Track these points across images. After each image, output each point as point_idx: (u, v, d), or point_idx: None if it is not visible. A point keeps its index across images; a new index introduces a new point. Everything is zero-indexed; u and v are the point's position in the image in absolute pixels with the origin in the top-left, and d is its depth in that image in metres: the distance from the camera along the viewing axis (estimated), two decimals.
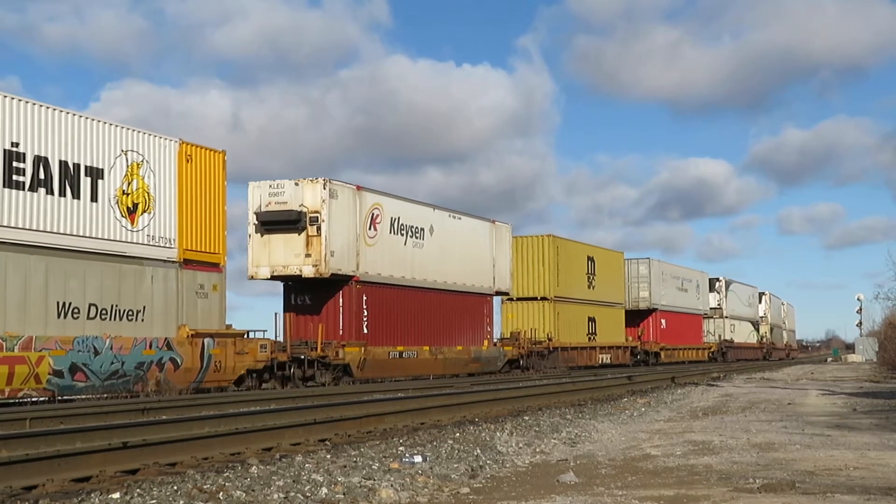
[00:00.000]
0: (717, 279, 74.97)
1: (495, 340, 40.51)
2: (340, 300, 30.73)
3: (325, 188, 29.41)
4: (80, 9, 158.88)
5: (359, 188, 31.28)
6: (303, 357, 28.53)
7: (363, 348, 30.44)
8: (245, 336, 26.60)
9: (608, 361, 50.79)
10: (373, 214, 31.88)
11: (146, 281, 23.34)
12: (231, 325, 26.25)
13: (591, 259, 50.41)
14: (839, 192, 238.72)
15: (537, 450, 11.63)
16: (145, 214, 23.41)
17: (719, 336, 73.31)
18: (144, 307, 23.15)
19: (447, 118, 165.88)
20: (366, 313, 31.13)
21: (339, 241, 29.78)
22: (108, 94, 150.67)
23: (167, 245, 24.02)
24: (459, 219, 37.73)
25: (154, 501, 7.58)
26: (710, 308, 72.52)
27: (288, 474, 8.91)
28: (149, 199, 23.58)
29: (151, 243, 23.52)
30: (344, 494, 8.06)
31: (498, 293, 40.68)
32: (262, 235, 29.79)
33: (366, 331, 30.99)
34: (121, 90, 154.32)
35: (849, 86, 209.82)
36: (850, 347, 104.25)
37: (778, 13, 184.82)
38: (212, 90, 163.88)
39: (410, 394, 21.18)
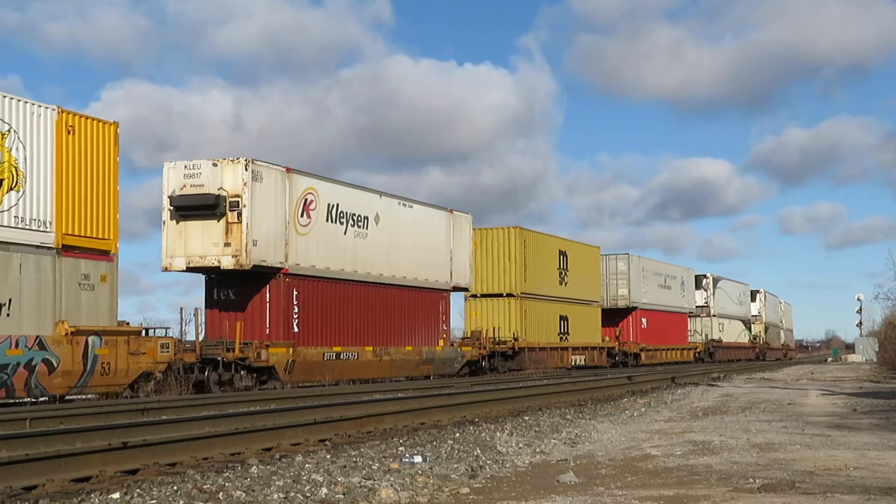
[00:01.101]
0: (704, 276, 71.97)
1: (453, 340, 38.00)
2: (267, 295, 27.69)
3: (247, 169, 26.30)
4: (81, 8, 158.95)
5: (288, 170, 28.18)
6: (218, 359, 25.11)
7: (291, 349, 27.40)
8: (143, 334, 23.29)
9: (582, 363, 47.89)
10: (306, 200, 28.76)
11: (13, 269, 20.21)
12: (127, 322, 23.12)
13: (563, 254, 47.43)
14: (841, 191, 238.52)
15: (537, 450, 11.64)
16: (12, 192, 20.33)
17: (706, 336, 70.32)
18: (10, 300, 20.01)
19: (449, 118, 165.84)
20: (296, 310, 28.10)
21: (263, 228, 26.82)
22: (109, 93, 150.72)
23: (41, 228, 20.90)
24: (411, 207, 34.61)
25: (154, 501, 7.59)
26: (697, 306, 69.39)
27: (288, 474, 8.91)
28: (16, 175, 20.52)
29: (20, 226, 20.41)
30: (344, 494, 8.06)
31: (456, 289, 37.57)
32: (177, 222, 26.73)
33: (296, 329, 27.98)
34: (122, 90, 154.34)
35: (852, 85, 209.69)
36: (850, 347, 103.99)
37: (781, 12, 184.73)
38: (213, 90, 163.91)
39: (410, 394, 21.19)
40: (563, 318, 46.90)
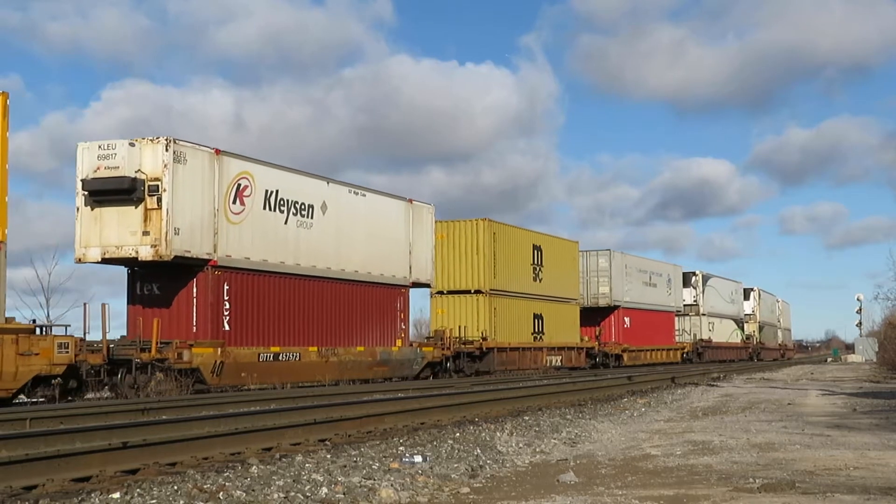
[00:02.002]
0: (693, 273, 69.10)
1: (413, 340, 35.61)
2: (194, 290, 25.14)
3: (167, 150, 23.72)
4: (82, 7, 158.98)
5: (218, 152, 25.52)
6: (132, 360, 22.42)
7: (220, 349, 24.77)
8: (36, 332, 20.89)
9: (558, 364, 45.29)
10: (239, 185, 26.19)
11: None
12: (13, 319, 20.88)
13: (537, 248, 44.60)
14: (841, 191, 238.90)
15: (537, 450, 11.64)
16: None
17: (695, 335, 67.55)
18: None
19: (450, 118, 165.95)
20: (227, 306, 25.54)
21: (187, 216, 24.26)
22: (110, 93, 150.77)
23: None
24: (364, 195, 32.03)
25: (154, 501, 7.59)
26: (685, 305, 66.65)
27: (288, 474, 8.92)
28: None
29: None
30: (344, 494, 8.06)
31: (416, 284, 35.07)
32: (91, 209, 24.11)
33: (227, 328, 25.42)
34: (122, 89, 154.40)
35: (853, 85, 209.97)
36: (849, 348, 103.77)
37: (783, 12, 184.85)
38: (214, 89, 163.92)
39: (410, 394, 21.19)
40: (538, 317, 44.29)
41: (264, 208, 27.22)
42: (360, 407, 15.97)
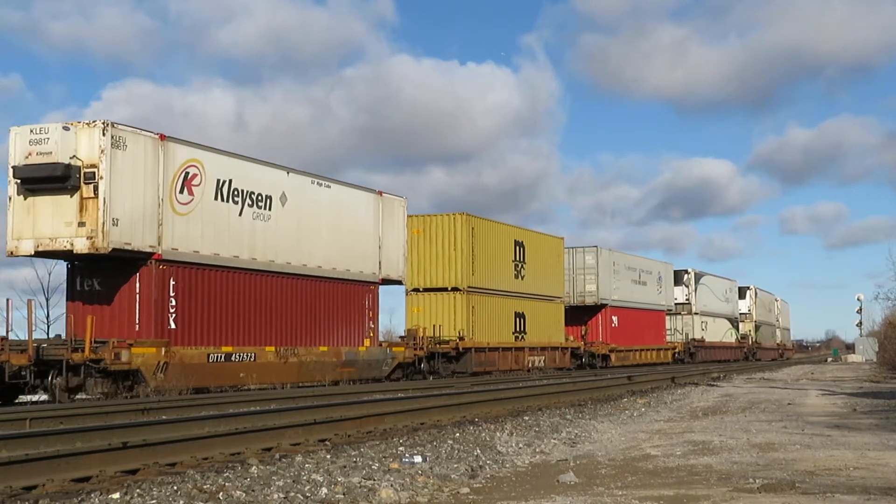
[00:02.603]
0: (686, 271, 67.09)
1: (382, 340, 33.97)
2: (137, 285, 23.49)
3: (104, 134, 22.09)
4: (84, 7, 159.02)
5: (163, 137, 23.84)
6: (63, 361, 20.80)
7: (164, 349, 23.13)
8: None
9: (541, 365, 43.62)
10: (187, 174, 24.52)
11: None
12: None
13: (519, 244, 42.90)
14: (842, 191, 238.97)
15: (537, 450, 11.64)
16: None
17: (687, 335, 65.80)
18: None
19: (451, 117, 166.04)
20: (173, 303, 23.96)
21: (127, 205, 22.67)
22: (110, 93, 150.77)
23: None
24: (328, 187, 30.32)
25: (154, 501, 7.59)
26: (677, 303, 64.86)
27: (288, 474, 8.92)
28: None
29: None
30: (344, 494, 8.06)
31: (386, 281, 33.28)
32: (24, 198, 22.55)
33: (172, 326, 23.83)
34: (123, 89, 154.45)
35: (855, 84, 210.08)
36: (850, 347, 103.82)
37: (785, 11, 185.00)
38: (215, 89, 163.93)
39: (410, 394, 21.20)
40: (519, 316, 42.65)
41: (216, 199, 25.52)
42: (359, 407, 15.98)
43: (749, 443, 12.01)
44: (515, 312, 42.29)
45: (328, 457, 10.30)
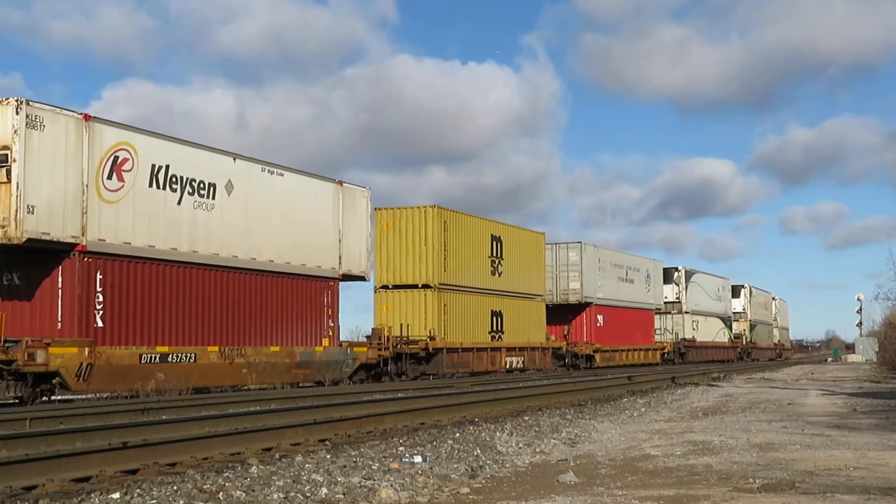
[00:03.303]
0: (675, 268, 65.06)
1: (343, 339, 31.58)
2: (59, 280, 21.71)
3: (18, 112, 20.41)
4: (85, 6, 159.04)
5: (88, 118, 22.07)
6: None
7: (87, 349, 21.28)
8: None
9: (520, 366, 41.74)
10: (116, 158, 22.66)
11: None
12: None
13: (496, 239, 40.83)
14: (843, 191, 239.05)
15: (537, 450, 11.64)
16: None
17: (677, 334, 63.78)
18: None
19: (453, 117, 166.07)
20: (100, 299, 22.09)
21: (45, 191, 20.95)
22: (111, 92, 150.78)
23: None
24: (281, 175, 28.37)
25: (154, 501, 7.59)
26: (666, 302, 62.88)
27: (288, 474, 8.92)
28: None
29: None
30: (344, 494, 8.06)
31: (348, 277, 31.40)
32: None
33: (99, 324, 21.98)
34: (123, 89, 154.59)
35: (857, 84, 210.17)
36: (850, 347, 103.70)
37: (787, 11, 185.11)
38: (215, 89, 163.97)
39: (410, 394, 21.20)
40: (496, 315, 40.50)
41: (150, 185, 23.61)
42: (359, 407, 15.99)
43: (749, 443, 12.01)
44: (492, 311, 40.29)
45: (328, 457, 10.30)
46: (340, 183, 31.20)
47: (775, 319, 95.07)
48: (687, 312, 65.25)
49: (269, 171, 28.00)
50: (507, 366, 40.56)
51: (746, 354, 78.17)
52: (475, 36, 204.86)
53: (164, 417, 14.61)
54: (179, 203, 24.55)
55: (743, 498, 7.83)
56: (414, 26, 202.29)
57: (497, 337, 40.39)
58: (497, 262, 40.87)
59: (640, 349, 56.70)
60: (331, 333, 30.11)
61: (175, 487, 8.12)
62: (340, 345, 30.66)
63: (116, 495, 7.75)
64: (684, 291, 65.32)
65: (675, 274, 65.08)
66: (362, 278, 32.56)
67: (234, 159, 26.65)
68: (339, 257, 30.84)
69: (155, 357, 23.15)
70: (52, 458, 8.85)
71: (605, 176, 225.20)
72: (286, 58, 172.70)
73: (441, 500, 8.12)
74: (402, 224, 36.27)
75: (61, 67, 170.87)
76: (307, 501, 7.79)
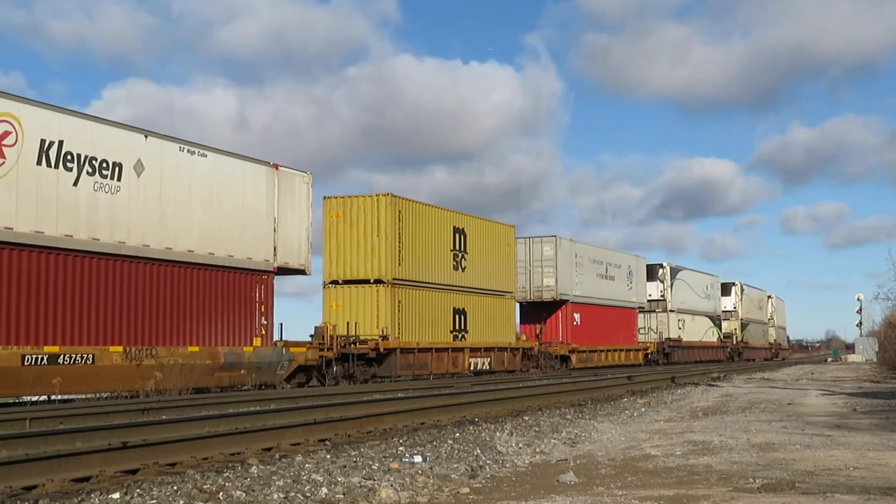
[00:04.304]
0: (660, 265, 62.63)
1: (278, 339, 28.50)
2: None
3: None
4: (87, 5, 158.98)
5: None
6: None
7: None
8: None
9: (486, 367, 38.91)
10: None
11: None
12: None
13: (459, 232, 38.03)
14: (845, 191, 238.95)
15: (537, 450, 11.64)
16: None
17: (661, 334, 61.48)
18: None
19: (454, 117, 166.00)
20: None
21: None
22: (111, 92, 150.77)
23: None
24: (204, 155, 25.49)
25: (154, 501, 7.59)
26: (650, 300, 60.59)
27: (288, 474, 8.92)
28: None
29: None
30: (344, 494, 8.06)
31: (285, 270, 28.69)
32: None
33: None
34: (124, 88, 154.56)
35: (859, 84, 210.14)
36: (850, 347, 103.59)
37: (789, 11, 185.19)
38: (216, 88, 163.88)
39: (410, 394, 21.21)
40: (459, 312, 37.74)
41: (39, 163, 20.95)
42: (360, 407, 15.99)
43: (749, 443, 12.01)
44: (454, 308, 37.46)
45: (328, 457, 10.30)
46: (276, 166, 28.39)
47: (771, 318, 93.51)
48: (672, 311, 62.99)
49: (189, 150, 25.04)
50: (472, 367, 37.95)
51: (737, 354, 76.17)
52: (477, 35, 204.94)
53: (163, 417, 14.62)
54: (76, 184, 21.79)
55: (743, 498, 7.83)
56: (416, 26, 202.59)
57: (460, 336, 37.73)
58: (460, 255, 38.13)
59: (621, 349, 54.42)
60: (264, 332, 27.31)
61: (175, 487, 8.12)
62: (275, 344, 27.82)
63: (116, 495, 7.75)
64: (669, 289, 63.03)
65: (660, 271, 63.01)
66: (302, 272, 29.70)
67: (146, 137, 23.89)
68: (275, 248, 27.99)
69: (42, 358, 20.42)
70: (52, 458, 8.85)
71: (605, 176, 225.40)
72: (288, 57, 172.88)
73: (441, 500, 8.12)
74: (352, 214, 33.61)
75: (63, 67, 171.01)
76: (307, 501, 7.79)
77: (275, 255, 28.00)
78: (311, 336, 30.64)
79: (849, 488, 8.20)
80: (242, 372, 26.08)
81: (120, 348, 22.61)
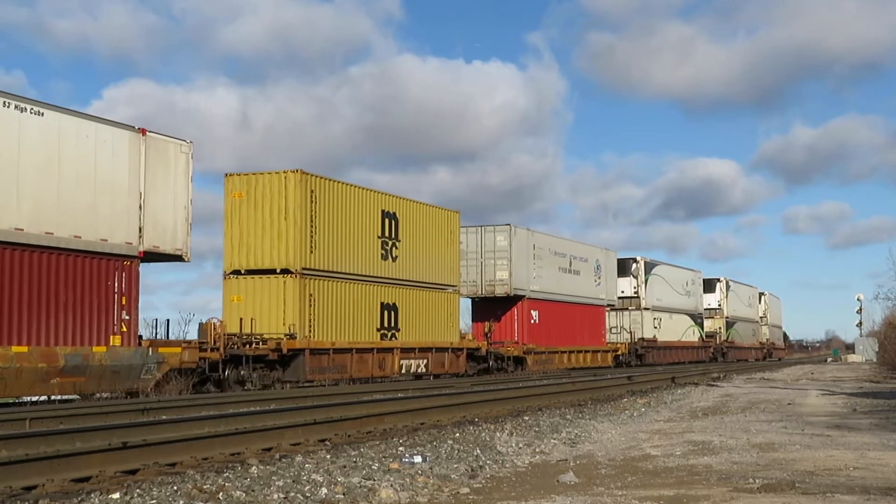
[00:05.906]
0: (633, 259, 58.13)
1: (147, 338, 24.23)
2: None
3: None
4: (89, 4, 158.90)
5: None
6: None
7: None
8: None
9: (422, 370, 34.49)
10: None
11: None
12: None
13: (389, 216, 33.44)
14: (846, 190, 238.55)
15: (537, 450, 11.64)
16: None
17: (634, 333, 56.69)
18: None
19: (457, 116, 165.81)
20: None
21: None
22: (113, 92, 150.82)
23: None
24: (40, 114, 20.87)
25: (154, 501, 7.59)
26: (622, 297, 56.09)
27: (288, 474, 8.92)
28: None
29: None
30: (344, 494, 8.06)
31: (154, 255, 24.12)
32: None
33: None
34: (126, 87, 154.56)
35: (863, 83, 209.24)
36: (850, 347, 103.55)
37: (794, 10, 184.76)
38: (219, 88, 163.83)
39: (410, 394, 21.22)
40: (389, 308, 33.25)
41: None
42: (359, 407, 16.00)
43: (749, 443, 12.01)
44: (383, 304, 32.90)
45: (328, 457, 10.30)
46: (143, 131, 23.52)
47: (763, 317, 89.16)
48: (647, 309, 58.18)
49: (18, 106, 20.39)
50: (403, 370, 33.57)
51: (721, 355, 71.24)
52: (480, 34, 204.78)
53: (163, 417, 14.61)
54: None
55: (743, 498, 7.83)
56: (419, 25, 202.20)
57: (390, 335, 33.21)
58: (391, 243, 33.50)
59: (587, 350, 49.85)
60: (125, 329, 22.75)
61: (175, 487, 8.12)
62: (139, 344, 23.18)
63: (116, 495, 7.75)
64: (643, 285, 58.29)
65: (633, 266, 58.22)
66: (179, 258, 24.90)
67: None
68: (140, 229, 23.25)
69: None
70: (52, 458, 8.85)
71: (607, 175, 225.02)
72: (290, 56, 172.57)
73: (441, 500, 8.12)
74: (257, 194, 29.15)
75: (65, 65, 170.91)
76: (307, 501, 7.79)
77: (140, 237, 23.29)
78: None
79: (849, 488, 8.20)
80: (90, 377, 21.51)
81: None
